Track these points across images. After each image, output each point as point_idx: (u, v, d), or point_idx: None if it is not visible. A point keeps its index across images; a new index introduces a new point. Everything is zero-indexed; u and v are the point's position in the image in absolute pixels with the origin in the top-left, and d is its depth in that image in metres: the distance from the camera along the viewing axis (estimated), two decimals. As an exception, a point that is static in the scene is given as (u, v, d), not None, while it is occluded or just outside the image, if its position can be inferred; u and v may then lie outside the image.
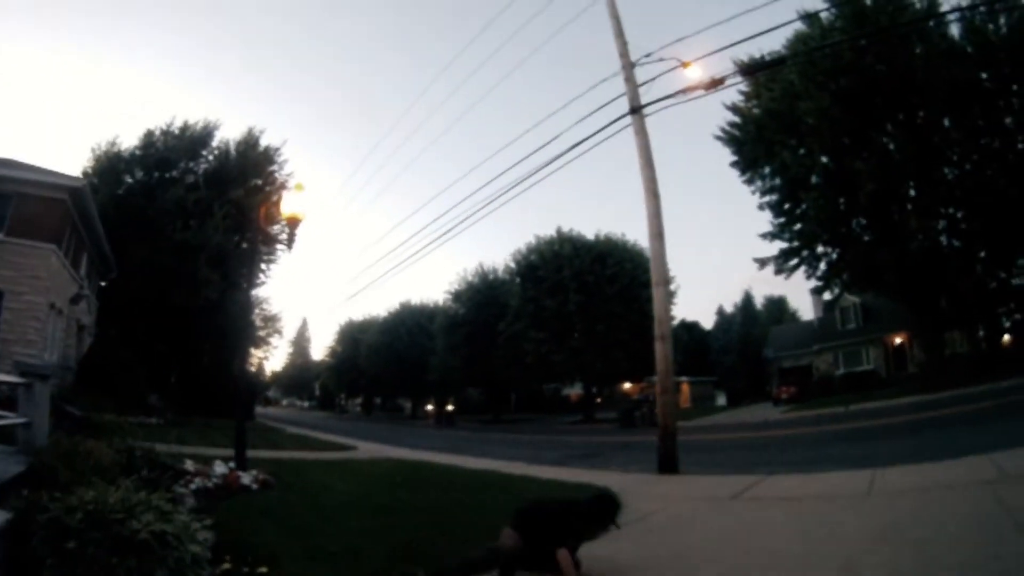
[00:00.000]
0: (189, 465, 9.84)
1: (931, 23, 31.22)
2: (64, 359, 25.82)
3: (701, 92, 15.21)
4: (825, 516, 7.58)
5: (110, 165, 35.99)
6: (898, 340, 50.57)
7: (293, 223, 12.19)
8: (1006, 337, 46.45)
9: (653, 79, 15.62)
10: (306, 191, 12.35)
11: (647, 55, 15.57)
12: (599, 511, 6.05)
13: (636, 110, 15.29)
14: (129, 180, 36.16)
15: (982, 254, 36.96)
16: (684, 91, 15.25)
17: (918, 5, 31.79)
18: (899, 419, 22.81)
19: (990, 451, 10.17)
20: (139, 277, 31.64)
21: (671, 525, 8.02)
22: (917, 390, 34.49)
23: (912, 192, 35.08)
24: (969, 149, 32.73)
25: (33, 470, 6.42)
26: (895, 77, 30.94)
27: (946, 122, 33.28)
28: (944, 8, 31.40)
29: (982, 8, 30.90)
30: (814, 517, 7.62)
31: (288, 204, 12.15)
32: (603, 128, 15.94)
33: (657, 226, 14.87)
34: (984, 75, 31.78)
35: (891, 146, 34.07)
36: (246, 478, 9.96)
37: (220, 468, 10.17)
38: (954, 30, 32.79)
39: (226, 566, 4.91)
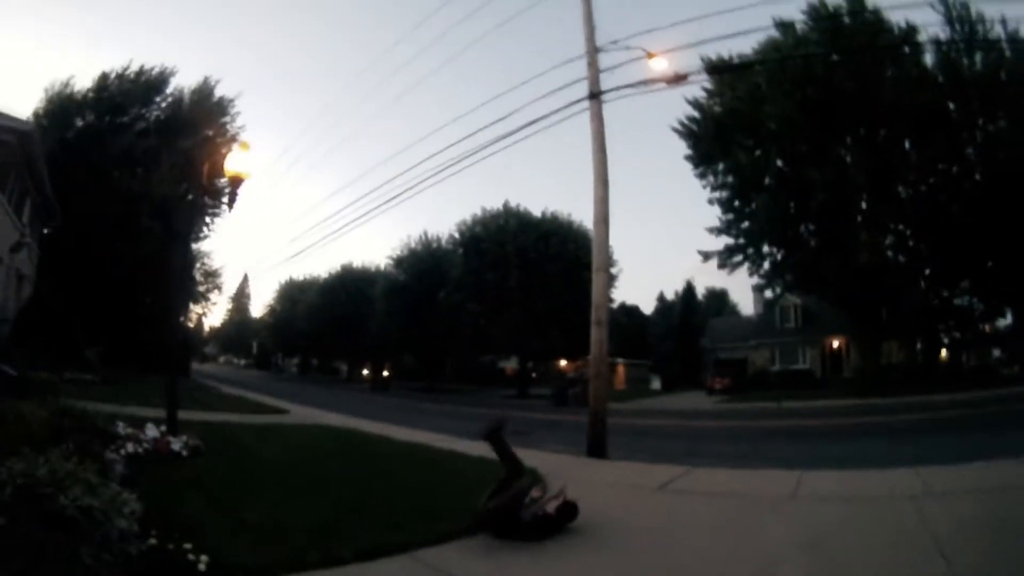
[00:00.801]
0: (121, 428, 9.82)
1: (906, 49, 31.80)
2: (2, 311, 25.21)
3: (663, 85, 15.44)
4: (749, 517, 7.74)
5: (62, 107, 34.94)
6: (836, 344, 51.85)
7: (236, 182, 12.12)
8: (943, 353, 47.84)
9: (616, 67, 15.66)
10: (252, 151, 12.25)
11: (613, 42, 15.61)
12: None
13: (595, 95, 15.31)
14: (80, 124, 35.14)
15: (927, 271, 37.86)
16: (646, 82, 15.44)
17: (896, 31, 32.27)
18: (831, 422, 23.34)
19: (918, 464, 10.25)
20: (82, 225, 30.88)
21: (593, 514, 7.94)
22: (851, 394, 35.32)
23: (864, 205, 35.75)
24: (926, 173, 33.48)
25: (-42, 436, 6.26)
26: (862, 95, 31.42)
27: (907, 144, 33.91)
28: (921, 38, 32.10)
29: (960, 43, 31.57)
30: (738, 517, 7.78)
31: (233, 162, 12.06)
32: (560, 109, 16.05)
33: (603, 212, 14.97)
34: (952, 105, 32.39)
35: (848, 159, 34.68)
36: (176, 444, 9.98)
37: (152, 432, 10.14)
38: (928, 59, 33.49)
39: (152, 541, 4.99)
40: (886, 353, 44.29)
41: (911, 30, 32.11)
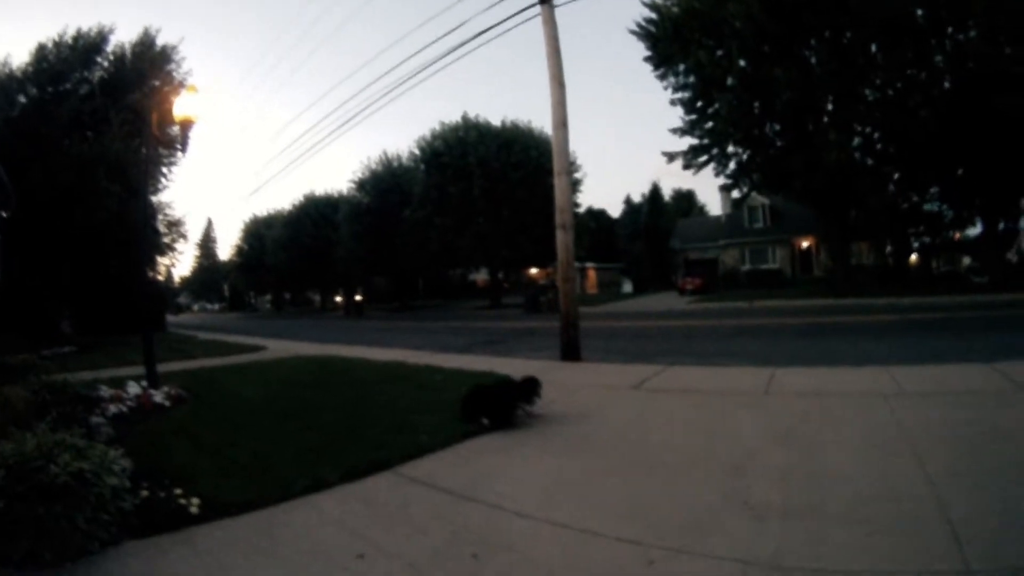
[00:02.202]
0: (104, 391, 9.88)
1: None
2: (-30, 298, 25.00)
3: None
4: (723, 413, 7.96)
5: (2, 87, 34.12)
6: (805, 244, 52.42)
7: (186, 125, 12.08)
8: (913, 257, 48.36)
9: None
10: (199, 92, 12.17)
11: None
12: (528, 388, 8.26)
13: (545, 0, 15.30)
14: (23, 100, 34.39)
15: (896, 175, 37.92)
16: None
17: None
18: (801, 320, 23.62)
19: (890, 364, 10.53)
20: (41, 201, 30.36)
21: (571, 415, 8.39)
22: (821, 294, 35.95)
23: (830, 106, 35.59)
24: (894, 76, 32.93)
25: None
26: None
27: (873, 48, 33.46)
28: None
29: None
30: (712, 413, 8.00)
31: (180, 106, 11.99)
32: (509, 18, 16.03)
33: (561, 115, 15.05)
34: (920, 12, 31.85)
35: (813, 60, 34.31)
36: (158, 396, 10.13)
37: (134, 389, 10.29)
38: None
39: (144, 493, 5.17)
40: (856, 254, 44.91)
41: None
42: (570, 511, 4.84)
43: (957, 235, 46.84)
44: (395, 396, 10.16)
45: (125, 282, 27.69)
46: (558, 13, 15.46)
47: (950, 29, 32.19)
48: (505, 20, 16.04)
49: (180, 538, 4.72)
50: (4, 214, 27.29)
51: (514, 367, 11.92)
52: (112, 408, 9.05)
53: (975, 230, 44.40)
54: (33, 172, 29.76)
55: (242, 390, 11.90)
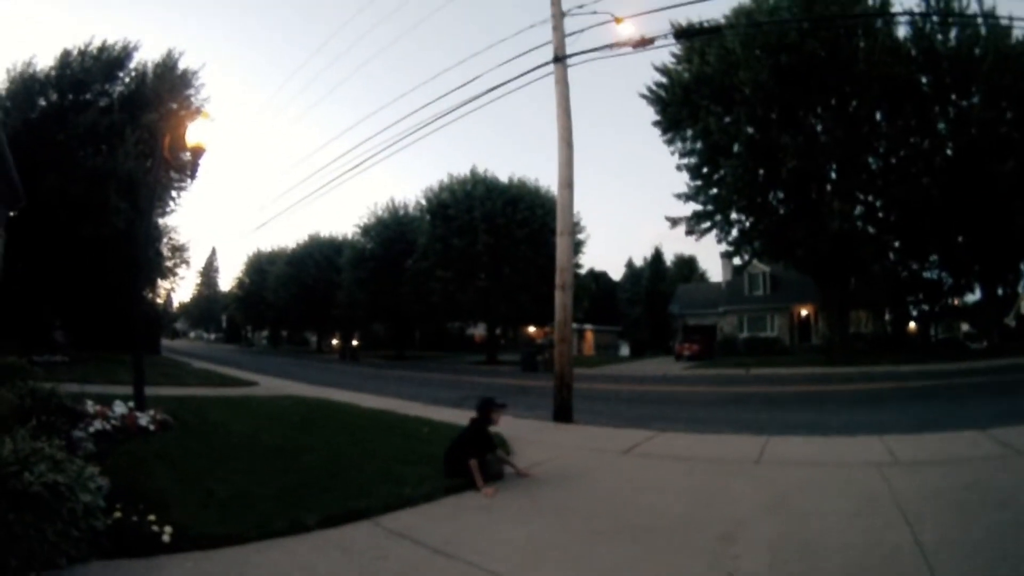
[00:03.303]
0: (90, 406, 9.80)
1: (879, 22, 31.80)
2: (-30, 298, 24.97)
3: (629, 49, 15.39)
4: (713, 480, 7.89)
5: (24, 87, 34.23)
6: (804, 312, 52.28)
7: (197, 152, 12.11)
8: (912, 324, 48.45)
9: (582, 30, 15.78)
10: (213, 120, 12.28)
11: (580, 6, 15.61)
12: (484, 414, 8.28)
13: (560, 59, 15.37)
14: (43, 103, 34.64)
15: (896, 243, 38.13)
16: (612, 46, 15.42)
17: (870, 1, 32.34)
18: (798, 388, 23.43)
19: (884, 432, 10.43)
20: (49, 207, 30.40)
21: (558, 477, 8.31)
22: (819, 362, 35.74)
23: (834, 175, 35.88)
24: (897, 144, 33.40)
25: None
26: (835, 64, 31.37)
27: (878, 115, 33.95)
28: (895, 9, 32.37)
29: (934, 17, 31.61)
30: (702, 480, 7.93)
31: (193, 133, 12.02)
32: (524, 74, 16.05)
33: (568, 175, 15.09)
34: (924, 79, 32.43)
35: (819, 127, 34.69)
36: (144, 419, 10.03)
37: (120, 408, 10.16)
38: (901, 31, 33.49)
39: (117, 515, 5.07)
40: (855, 322, 44.84)
41: (884, 2, 32.32)
42: (549, 574, 4.73)
43: (956, 302, 46.95)
44: (381, 445, 10.06)
45: (123, 300, 27.61)
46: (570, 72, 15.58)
47: (953, 95, 32.73)
48: (519, 77, 16.16)
49: (149, 564, 4.64)
50: (11, 212, 27.28)
51: (505, 425, 11.73)
52: (96, 424, 8.96)
53: (974, 297, 44.63)
54: (46, 179, 29.86)
55: (229, 423, 11.79)
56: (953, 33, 32.52)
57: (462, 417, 13.37)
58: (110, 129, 33.42)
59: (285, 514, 5.97)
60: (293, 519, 5.86)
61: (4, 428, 5.52)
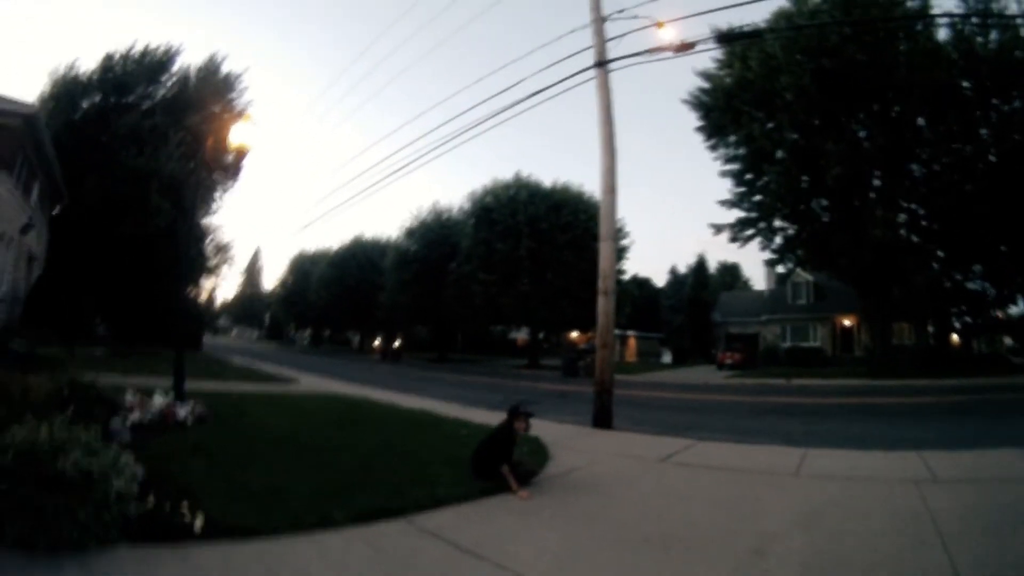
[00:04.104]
0: (128, 398, 9.91)
1: (919, 25, 31.39)
2: (14, 290, 25.32)
3: (670, 54, 15.28)
4: (749, 492, 7.73)
5: (67, 90, 34.88)
6: (847, 322, 51.64)
7: (240, 154, 12.20)
8: (954, 337, 47.56)
9: (623, 35, 15.57)
10: (255, 122, 12.28)
11: (620, 11, 15.48)
12: (513, 417, 8.13)
13: (601, 64, 15.28)
14: (86, 105, 35.17)
15: (940, 253, 37.49)
16: (653, 51, 15.29)
17: (910, 3, 31.75)
18: (839, 400, 23.07)
19: (924, 448, 10.24)
20: (91, 205, 30.96)
21: (593, 483, 8.21)
22: (861, 374, 35.17)
23: (877, 182, 35.44)
24: (940, 151, 32.78)
25: (-31, 411, 6.33)
26: (876, 69, 30.88)
27: (920, 121, 33.40)
28: (935, 12, 31.86)
29: (974, 20, 31.08)
30: (738, 492, 7.78)
31: (236, 134, 12.08)
32: (565, 79, 16.01)
33: (611, 181, 14.95)
34: (965, 83, 31.79)
35: (861, 134, 34.30)
36: (182, 412, 10.12)
37: (159, 400, 10.26)
38: (942, 35, 32.85)
39: (150, 502, 5.12)
40: (897, 334, 44.16)
41: (925, 4, 31.69)
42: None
43: (1000, 314, 45.94)
44: (418, 446, 10.03)
45: (166, 297, 27.99)
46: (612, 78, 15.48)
47: (995, 100, 31.98)
48: (560, 82, 16.14)
49: (177, 553, 4.65)
50: (54, 211, 27.80)
51: (543, 429, 11.68)
52: (134, 415, 9.07)
53: (1018, 309, 43.71)
54: (89, 179, 30.37)
55: (267, 419, 11.85)
56: (993, 35, 31.80)
57: (498, 420, 13.32)
58: (153, 131, 34.05)
59: (317, 509, 5.97)
60: (324, 514, 5.85)
61: (41, 416, 5.54)
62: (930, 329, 44.66)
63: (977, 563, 4.93)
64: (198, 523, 5.00)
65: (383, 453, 9.21)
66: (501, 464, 7.57)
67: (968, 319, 45.98)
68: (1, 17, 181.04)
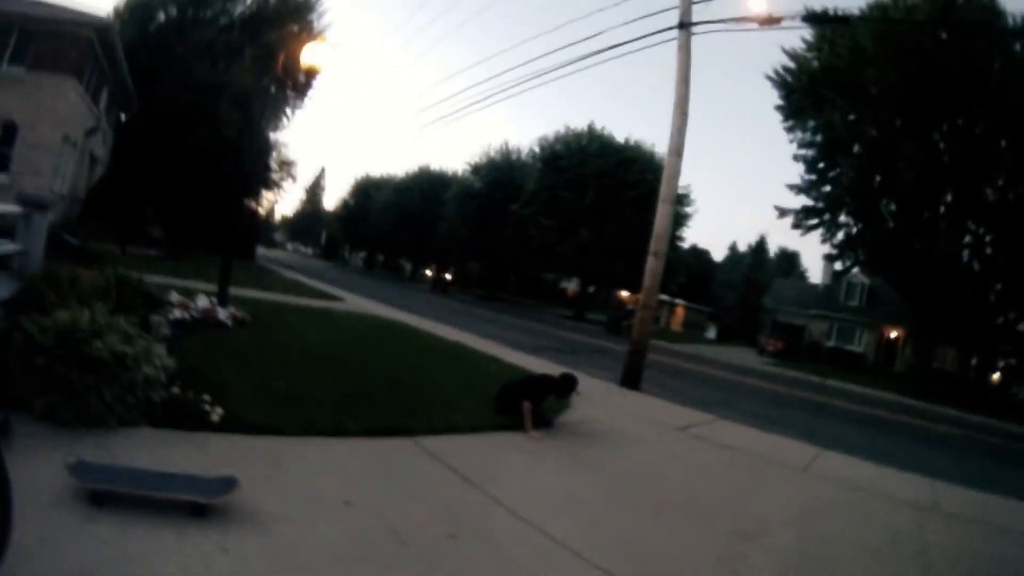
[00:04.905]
0: (174, 297, 10.34)
1: (1018, 46, 30.43)
2: (74, 190, 26.12)
3: (755, 25, 14.95)
4: (755, 478, 7.84)
5: (145, 1, 35.53)
6: (893, 334, 50.79)
7: (311, 73, 12.35)
8: (996, 375, 46.37)
9: None
10: (330, 44, 12.47)
11: None
12: (563, 384, 8.42)
13: (684, 25, 14.93)
14: (163, 18, 35.61)
15: (999, 286, 36.46)
16: (738, 19, 15.00)
17: (1011, 21, 30.73)
18: (868, 410, 22.83)
19: (937, 477, 9.98)
20: (161, 113, 31.39)
21: (607, 438, 8.36)
22: (897, 388, 34.50)
23: (949, 198, 34.59)
24: (1017, 178, 31.94)
25: (22, 294, 6.74)
26: (966, 81, 29.69)
27: (1003, 144, 32.14)
28: None
29: None
30: (745, 475, 7.91)
31: (308, 55, 12.21)
32: (648, 35, 15.73)
33: (679, 143, 14.85)
34: None
35: (942, 145, 33.45)
36: (222, 314, 10.49)
37: (202, 302, 10.63)
38: None
39: (175, 390, 5.44)
40: (940, 358, 43.37)
41: None
42: (564, 527, 4.82)
43: None
44: (445, 374, 10.31)
45: (225, 205, 28.53)
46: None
47: None
48: (642, 38, 15.89)
49: (194, 439, 4.97)
50: (123, 116, 28.40)
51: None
52: (176, 313, 9.43)
53: None
54: (160, 87, 30.85)
55: (305, 331, 12.20)
56: None
57: (535, 365, 13.51)
58: (228, 46, 34.43)
59: (333, 418, 6.27)
60: (338, 423, 6.15)
61: (86, 304, 5.83)
62: (973, 362, 43.65)
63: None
64: (216, 415, 5.30)
65: (410, 376, 9.48)
66: (524, 400, 7.73)
67: (1012, 361, 44.76)
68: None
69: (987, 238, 35.08)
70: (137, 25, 33.68)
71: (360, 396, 7.46)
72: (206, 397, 5.50)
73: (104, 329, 5.14)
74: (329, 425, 6.04)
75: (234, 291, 12.28)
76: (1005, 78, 29.26)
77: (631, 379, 14.07)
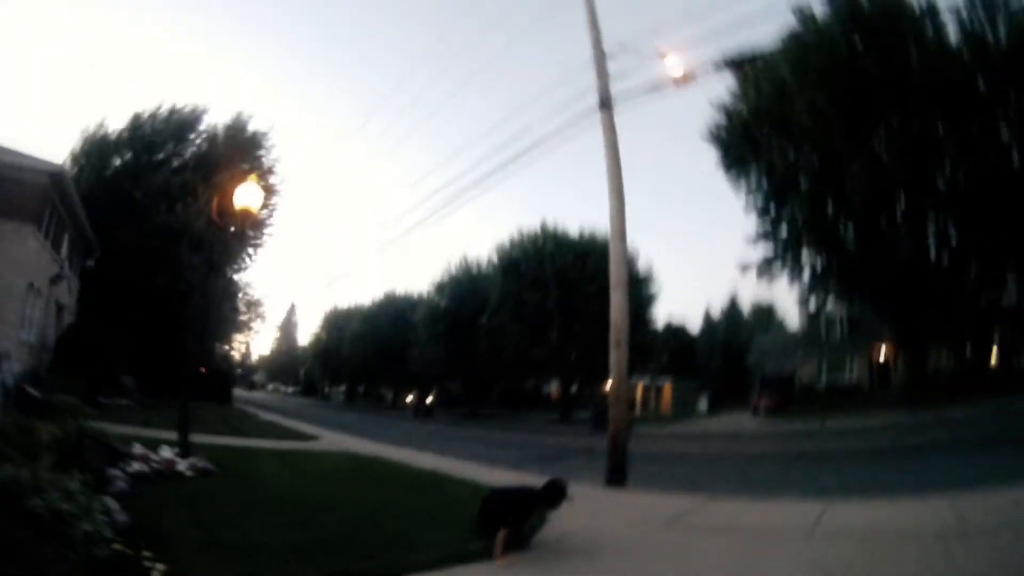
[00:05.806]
0: (136, 448, 10.20)
1: (928, 27, 31.38)
2: (42, 339, 26.08)
3: (673, 88, 14.81)
4: (755, 557, 7.26)
5: (98, 148, 36.24)
6: (883, 351, 50.81)
7: (245, 216, 12.33)
8: (994, 355, 46.25)
9: (629, 71, 14.63)
10: (271, 180, 12.53)
11: (622, 45, 14.99)
12: (549, 494, 7.63)
13: (605, 105, 14.63)
14: (117, 163, 36.40)
15: (972, 269, 36.61)
16: (657, 86, 14.76)
17: (916, 10, 31.78)
18: (873, 442, 22.56)
19: (957, 489, 9.60)
20: (122, 259, 31.78)
21: (585, 550, 7.85)
22: (898, 407, 34.32)
23: (902, 201, 34.80)
24: (962, 160, 32.25)
25: (-30, 447, 6.58)
26: (890, 80, 30.53)
27: (940, 131, 32.54)
28: (942, 14, 31.44)
29: (980, 14, 30.75)
30: (743, 556, 7.32)
31: (240, 197, 12.23)
32: (571, 124, 15.52)
33: (620, 227, 14.34)
34: (981, 81, 31.14)
35: (884, 155, 33.78)
36: (182, 465, 10.34)
37: (165, 453, 10.56)
38: (951, 36, 32.28)
39: (116, 547, 5.28)
40: (934, 359, 43.11)
41: (932, 6, 31.50)
42: None
43: None
44: (413, 506, 9.96)
45: (196, 351, 28.40)
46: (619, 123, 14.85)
47: (1012, 94, 30.79)
48: (564, 127, 15.73)
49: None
50: (86, 263, 28.54)
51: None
52: (135, 465, 9.30)
53: None
54: (121, 233, 31.16)
55: (272, 475, 12.01)
56: (1002, 28, 30.81)
57: (512, 479, 13.17)
58: (183, 188, 35.27)
59: (285, 568, 6.05)
60: (292, 573, 5.96)
61: (35, 458, 5.75)
62: (967, 352, 43.46)
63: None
64: (157, 572, 5.13)
65: (376, 512, 9.23)
66: (501, 526, 7.14)
67: (1006, 335, 44.55)
68: (35, 79, 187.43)
69: (950, 227, 35.35)
70: (94, 170, 34.64)
71: (317, 542, 7.21)
72: (147, 554, 5.34)
73: (46, 485, 5.10)
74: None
75: (204, 439, 12.15)
76: (922, 62, 30.23)
77: (616, 476, 13.41)
